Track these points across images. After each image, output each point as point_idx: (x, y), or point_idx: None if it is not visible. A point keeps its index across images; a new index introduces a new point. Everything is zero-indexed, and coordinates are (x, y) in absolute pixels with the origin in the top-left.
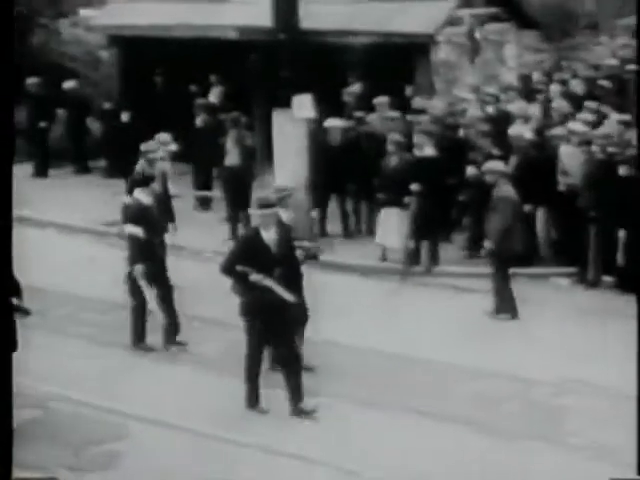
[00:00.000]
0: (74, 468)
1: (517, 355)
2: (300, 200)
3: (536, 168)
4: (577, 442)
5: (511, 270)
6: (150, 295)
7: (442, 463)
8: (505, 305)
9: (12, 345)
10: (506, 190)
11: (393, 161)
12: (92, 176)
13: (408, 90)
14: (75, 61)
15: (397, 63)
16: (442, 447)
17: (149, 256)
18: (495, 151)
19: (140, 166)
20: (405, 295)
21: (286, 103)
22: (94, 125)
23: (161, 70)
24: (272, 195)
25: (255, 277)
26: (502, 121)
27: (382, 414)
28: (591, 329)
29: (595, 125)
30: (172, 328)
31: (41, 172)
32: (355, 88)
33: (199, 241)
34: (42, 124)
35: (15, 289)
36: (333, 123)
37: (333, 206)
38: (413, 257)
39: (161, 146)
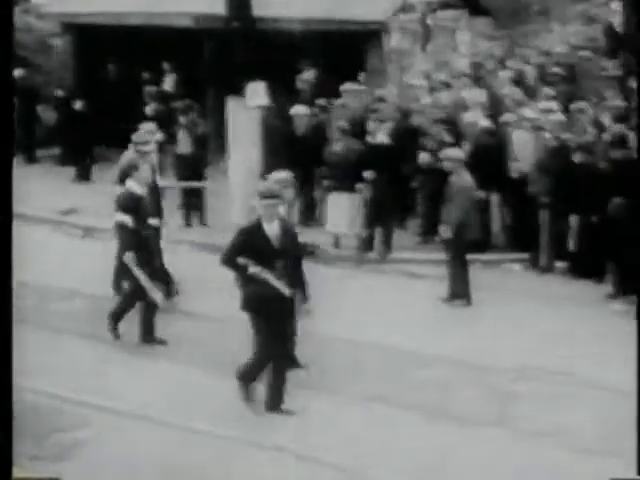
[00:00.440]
0: (37, 458)
1: (472, 341)
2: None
3: (489, 155)
4: (531, 427)
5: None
6: (144, 280)
7: (395, 450)
8: (460, 291)
9: None
10: (464, 178)
11: (339, 147)
12: (41, 165)
13: (361, 77)
14: (26, 49)
15: (350, 50)
16: (394, 434)
17: (140, 246)
18: (447, 138)
19: (127, 156)
20: (359, 281)
21: (240, 91)
22: (47, 114)
23: (115, 58)
24: (275, 186)
25: (253, 269)
26: (455, 108)
27: (332, 399)
28: (544, 315)
29: (562, 111)
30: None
31: None
32: (308, 75)
33: None
34: None
35: None
36: (298, 110)
37: None
38: (367, 244)
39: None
